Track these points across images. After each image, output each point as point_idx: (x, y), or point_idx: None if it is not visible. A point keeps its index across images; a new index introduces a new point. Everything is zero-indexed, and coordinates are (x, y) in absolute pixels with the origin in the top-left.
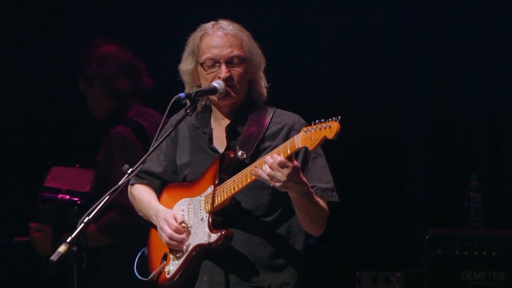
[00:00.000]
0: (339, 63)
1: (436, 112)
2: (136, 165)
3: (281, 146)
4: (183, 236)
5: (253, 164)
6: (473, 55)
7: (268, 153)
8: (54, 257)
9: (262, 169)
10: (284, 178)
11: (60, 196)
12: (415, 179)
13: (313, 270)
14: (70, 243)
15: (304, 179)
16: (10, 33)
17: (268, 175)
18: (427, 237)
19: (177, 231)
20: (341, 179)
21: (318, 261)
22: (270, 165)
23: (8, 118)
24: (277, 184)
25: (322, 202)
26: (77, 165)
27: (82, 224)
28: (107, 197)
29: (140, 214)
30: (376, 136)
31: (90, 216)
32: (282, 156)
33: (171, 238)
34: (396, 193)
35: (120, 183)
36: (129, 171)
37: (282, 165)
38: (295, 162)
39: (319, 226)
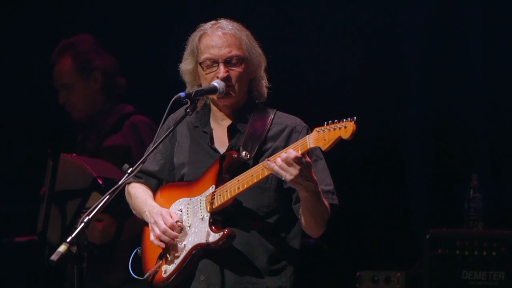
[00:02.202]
0: (338, 66)
1: (437, 112)
2: (136, 165)
3: (292, 146)
4: (176, 233)
5: (265, 160)
6: (473, 56)
7: (282, 151)
8: (54, 257)
9: (275, 163)
10: (296, 173)
11: None
12: (415, 179)
13: (314, 270)
14: (70, 243)
15: (315, 177)
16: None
17: (280, 167)
18: (427, 236)
19: (172, 227)
20: (342, 179)
21: (318, 261)
22: (284, 159)
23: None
24: (288, 178)
25: (326, 203)
26: (73, 154)
27: (82, 224)
28: (107, 196)
29: (134, 212)
30: (376, 136)
31: (91, 216)
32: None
33: (164, 232)
34: (397, 193)
35: (120, 182)
36: (129, 171)
37: (296, 160)
38: (308, 159)
39: (320, 226)
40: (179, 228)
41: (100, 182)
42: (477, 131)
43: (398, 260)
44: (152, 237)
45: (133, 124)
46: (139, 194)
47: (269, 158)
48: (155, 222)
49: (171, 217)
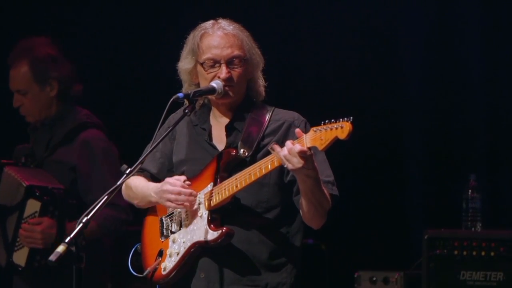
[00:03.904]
0: (338, 66)
1: (435, 112)
2: (135, 166)
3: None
4: (191, 190)
5: (272, 143)
6: (472, 56)
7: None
8: (53, 257)
9: (281, 148)
10: (299, 165)
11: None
12: (414, 179)
13: (313, 270)
14: (69, 243)
15: (316, 164)
16: None
17: (285, 157)
18: (426, 237)
19: (183, 187)
20: (341, 179)
21: (317, 261)
22: (289, 150)
23: None
24: (290, 167)
25: (326, 192)
26: (20, 164)
27: (81, 224)
28: (106, 197)
29: (135, 202)
30: (375, 136)
31: (89, 216)
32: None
33: (179, 193)
34: (395, 193)
35: (119, 183)
36: (127, 171)
37: (300, 154)
38: (310, 152)
39: (320, 216)
40: (188, 184)
41: (34, 188)
42: (476, 131)
43: (397, 260)
44: (170, 209)
45: (85, 141)
46: (139, 182)
47: (274, 143)
48: (166, 191)
49: (177, 180)
